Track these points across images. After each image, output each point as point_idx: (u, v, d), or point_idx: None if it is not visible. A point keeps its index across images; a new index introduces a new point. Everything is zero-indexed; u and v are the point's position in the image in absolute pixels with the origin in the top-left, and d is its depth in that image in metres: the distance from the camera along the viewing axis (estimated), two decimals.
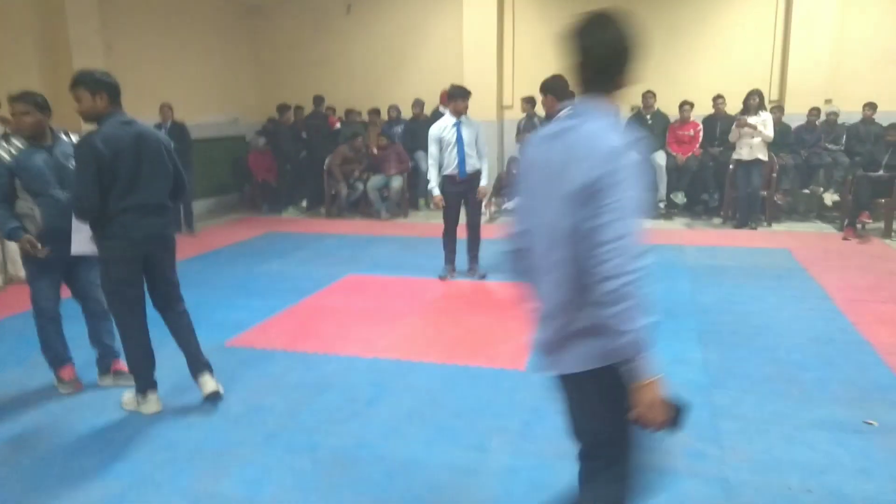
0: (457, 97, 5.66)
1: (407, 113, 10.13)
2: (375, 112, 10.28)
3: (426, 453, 3.06)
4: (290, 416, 3.45)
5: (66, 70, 7.37)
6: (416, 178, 9.74)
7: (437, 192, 5.83)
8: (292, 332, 4.71)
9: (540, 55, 10.24)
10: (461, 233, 6.03)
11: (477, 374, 3.92)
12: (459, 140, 5.67)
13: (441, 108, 9.51)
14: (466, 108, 5.70)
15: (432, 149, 5.77)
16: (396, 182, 9.17)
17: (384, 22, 10.81)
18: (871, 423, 3.20)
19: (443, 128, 5.72)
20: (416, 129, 9.81)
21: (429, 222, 8.94)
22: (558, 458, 2.97)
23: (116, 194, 3.22)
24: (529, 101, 8.66)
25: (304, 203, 9.99)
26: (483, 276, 5.99)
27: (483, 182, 5.92)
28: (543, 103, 4.81)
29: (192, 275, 6.26)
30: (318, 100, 10.36)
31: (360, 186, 9.37)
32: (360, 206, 9.57)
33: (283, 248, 7.48)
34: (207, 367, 3.66)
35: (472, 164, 5.77)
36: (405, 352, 4.29)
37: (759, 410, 3.37)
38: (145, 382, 3.53)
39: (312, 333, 4.68)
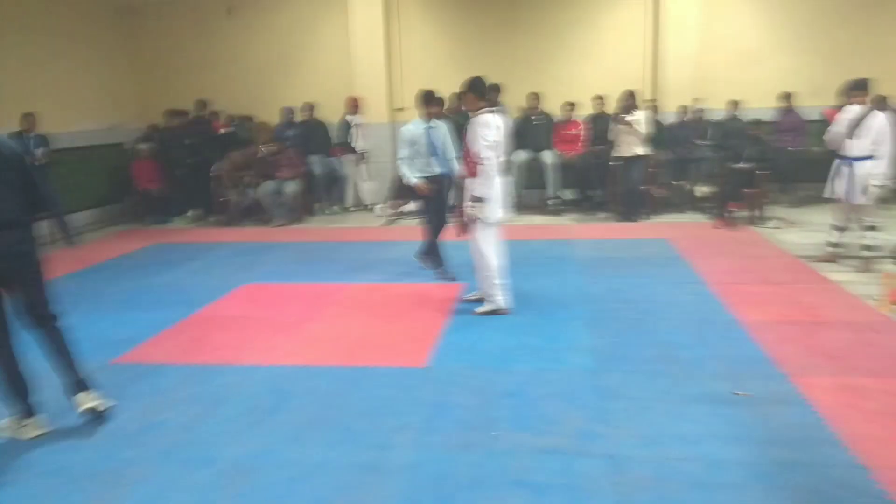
0: (429, 103, 5.72)
1: (297, 116, 9.97)
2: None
3: (330, 456, 3.06)
4: (187, 430, 3.35)
5: None
6: (311, 183, 9.62)
7: (413, 179, 5.74)
8: (185, 346, 4.55)
9: (428, 58, 10.41)
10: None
11: (379, 373, 3.95)
12: (432, 144, 5.72)
13: (348, 117, 9.44)
14: (439, 112, 5.79)
15: (404, 151, 5.76)
16: (290, 187, 9.02)
17: (269, 24, 10.58)
18: (739, 394, 3.51)
19: (414, 131, 5.72)
20: (309, 132, 9.69)
21: (326, 227, 8.87)
22: (459, 449, 3.06)
23: None
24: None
25: (190, 213, 9.62)
26: (454, 279, 5.98)
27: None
28: (463, 100, 4.94)
29: (74, 291, 5.91)
30: (201, 104, 9.99)
31: (252, 193, 9.14)
32: (253, 213, 9.33)
33: (172, 259, 7.18)
34: (82, 385, 3.46)
35: (441, 167, 5.81)
36: (306, 357, 4.26)
37: (644, 389, 3.62)
38: (20, 406, 3.32)
39: (207, 345, 4.54)
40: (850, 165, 5.74)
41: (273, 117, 10.10)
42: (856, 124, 5.70)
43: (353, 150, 9.47)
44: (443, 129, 5.85)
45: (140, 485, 2.88)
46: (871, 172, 5.63)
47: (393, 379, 3.87)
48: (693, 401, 3.47)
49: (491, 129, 4.57)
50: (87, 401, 3.43)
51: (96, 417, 3.44)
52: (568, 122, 9.13)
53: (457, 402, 3.54)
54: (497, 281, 4.88)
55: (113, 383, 3.90)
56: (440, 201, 5.92)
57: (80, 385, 3.46)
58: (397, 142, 5.97)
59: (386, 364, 4.10)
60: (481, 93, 4.73)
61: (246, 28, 10.62)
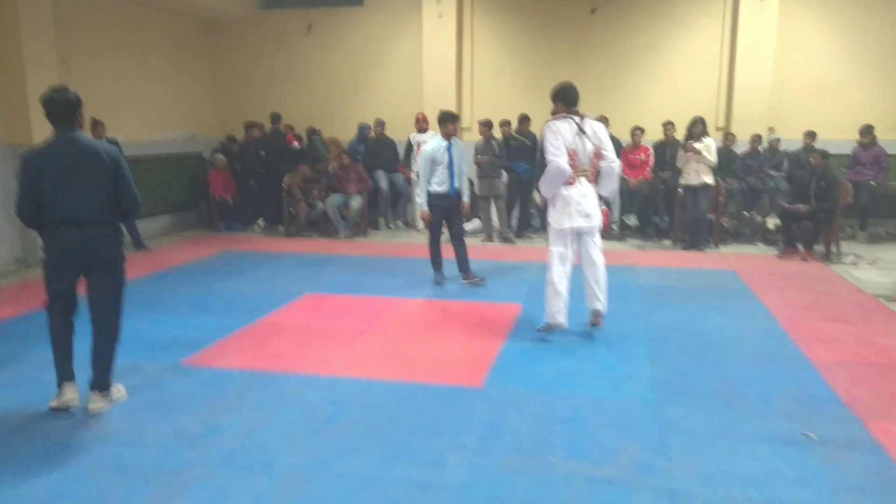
0: (447, 121, 6.13)
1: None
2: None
3: (383, 470, 3.09)
4: (247, 435, 3.44)
5: (19, 84, 7.25)
6: (375, 198, 9.80)
7: (425, 207, 6.26)
8: (249, 351, 4.69)
9: (498, 79, 10.50)
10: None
11: (434, 391, 3.97)
12: (451, 161, 6.13)
13: (412, 136, 9.55)
14: (456, 130, 6.20)
15: (424, 168, 6.20)
16: (356, 201, 9.21)
17: (344, 42, 10.90)
18: (809, 436, 3.36)
19: (436, 149, 6.14)
20: (378, 148, 9.89)
21: (388, 241, 9.00)
22: (513, 473, 3.04)
23: (47, 207, 3.48)
24: (487, 125, 8.82)
25: (260, 222, 9.94)
26: (482, 280, 6.40)
27: (464, 199, 6.42)
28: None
29: (147, 293, 6.19)
30: (276, 118, 10.35)
31: (320, 205, 9.38)
32: (318, 226, 9.57)
33: (241, 266, 7.43)
34: (100, 385, 3.71)
35: (458, 182, 6.23)
36: (363, 370, 4.32)
37: (706, 424, 3.51)
38: (59, 376, 3.68)
39: (270, 352, 4.67)
40: None
41: (342, 133, 10.37)
42: None
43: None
44: (459, 146, 6.25)
45: (199, 487, 2.96)
46: None
47: (448, 397, 3.88)
48: (758, 440, 3.34)
49: (559, 135, 4.56)
50: (93, 402, 3.69)
51: (92, 419, 3.63)
52: (636, 147, 9.02)
53: (512, 425, 3.52)
54: (555, 292, 4.72)
55: (180, 384, 4.07)
56: (451, 214, 6.32)
57: (98, 384, 3.71)
58: (421, 161, 6.30)
59: (441, 382, 4.11)
60: (556, 98, 4.78)
61: (322, 46, 10.97)
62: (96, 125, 7.88)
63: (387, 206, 9.99)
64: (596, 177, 4.75)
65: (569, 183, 4.62)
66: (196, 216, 10.56)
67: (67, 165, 3.47)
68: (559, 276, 4.73)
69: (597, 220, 4.74)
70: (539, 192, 4.83)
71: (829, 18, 9.45)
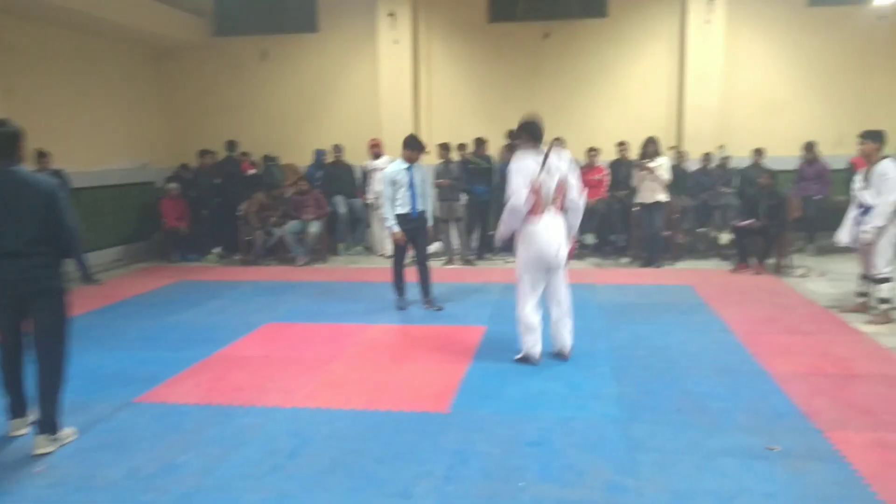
0: (413, 148, 6.19)
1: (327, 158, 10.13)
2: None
3: (350, 503, 3.00)
4: (206, 473, 3.31)
5: None
6: (334, 224, 9.71)
7: (396, 228, 6.21)
8: (207, 385, 4.54)
9: (454, 103, 10.59)
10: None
11: (400, 418, 3.90)
12: (412, 183, 6.16)
13: (365, 162, 9.52)
14: (418, 157, 6.22)
15: (387, 190, 6.21)
16: (314, 227, 9.10)
17: (300, 68, 10.87)
18: (773, 449, 3.40)
19: (396, 171, 6.18)
20: (336, 174, 9.83)
21: (348, 267, 8.91)
22: (483, 500, 2.99)
23: None
24: (445, 148, 8.86)
25: (218, 250, 9.73)
26: (440, 308, 6.37)
27: (429, 222, 6.46)
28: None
29: (97, 328, 5.97)
30: (231, 145, 10.21)
31: (277, 232, 9.24)
32: (276, 253, 9.41)
33: (196, 297, 7.23)
34: (46, 427, 3.57)
35: (421, 205, 6.25)
36: (327, 400, 4.22)
37: (673, 441, 3.52)
38: (10, 412, 3.68)
39: (229, 385, 4.52)
40: (863, 217, 5.66)
41: (299, 159, 10.30)
42: (866, 174, 5.66)
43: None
44: (421, 169, 6.30)
45: None
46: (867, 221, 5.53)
47: (414, 424, 3.81)
48: (724, 454, 3.36)
49: (522, 173, 4.54)
50: (38, 445, 3.54)
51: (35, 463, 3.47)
52: (591, 167, 9.16)
53: (480, 450, 3.47)
54: (527, 328, 4.74)
55: (134, 422, 3.91)
56: (416, 237, 6.32)
57: (44, 425, 3.57)
58: (383, 183, 6.31)
59: (407, 409, 4.04)
60: (521, 132, 4.74)
61: (278, 72, 10.91)
62: (42, 157, 7.61)
63: (346, 232, 9.90)
64: (563, 209, 4.72)
65: (535, 216, 4.59)
66: (149, 247, 10.28)
67: (3, 199, 3.41)
68: (531, 310, 4.73)
69: (563, 252, 4.72)
70: (498, 231, 4.79)
71: (773, 40, 9.83)
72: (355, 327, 5.88)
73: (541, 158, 4.57)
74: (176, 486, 3.19)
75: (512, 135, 9.09)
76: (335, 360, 5.02)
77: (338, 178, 9.82)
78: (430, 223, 6.46)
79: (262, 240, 9.24)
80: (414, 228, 6.27)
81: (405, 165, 6.16)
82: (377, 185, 9.34)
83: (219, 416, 4.00)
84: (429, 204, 6.44)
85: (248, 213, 9.22)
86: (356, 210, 9.87)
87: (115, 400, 4.24)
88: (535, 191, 4.55)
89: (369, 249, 9.86)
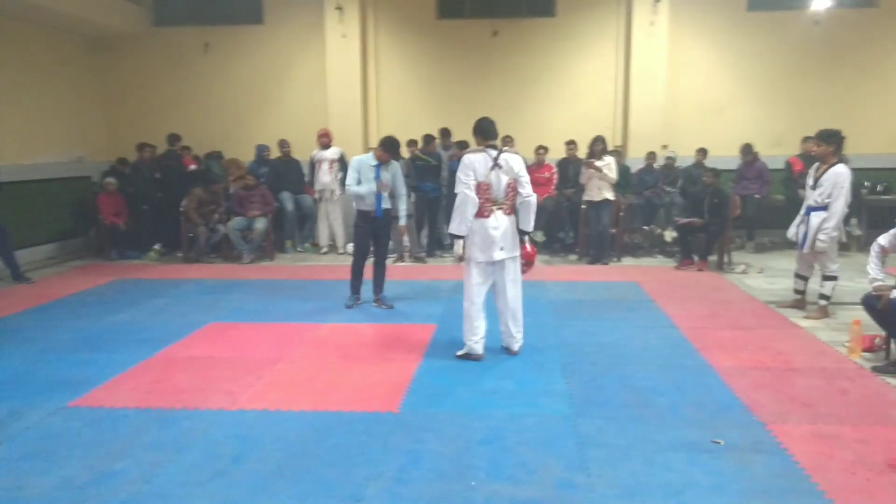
0: (386, 149, 6.07)
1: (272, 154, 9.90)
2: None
3: None
4: (145, 481, 3.16)
5: None
6: (281, 220, 9.50)
7: (362, 190, 6.08)
8: (146, 388, 4.35)
9: (403, 99, 10.52)
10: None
11: (349, 419, 3.82)
12: (378, 179, 6.06)
13: (313, 152, 9.35)
14: (389, 160, 6.12)
15: (352, 174, 6.11)
16: (260, 224, 8.88)
17: (245, 61, 10.59)
18: (717, 442, 3.47)
19: (364, 161, 6.11)
20: (283, 169, 9.61)
21: (295, 265, 8.73)
22: (435, 500, 2.95)
23: None
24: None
25: (158, 247, 9.39)
26: (390, 307, 6.31)
27: (402, 221, 6.49)
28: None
29: (28, 329, 5.69)
30: (173, 138, 9.86)
31: (221, 229, 8.98)
32: (220, 250, 9.15)
33: (136, 296, 6.96)
34: None
35: (385, 204, 6.18)
36: (273, 401, 4.11)
37: (621, 436, 3.55)
38: None
39: (169, 388, 4.35)
40: (808, 215, 5.82)
41: (245, 153, 10.04)
42: (815, 175, 5.81)
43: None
44: (395, 167, 6.25)
45: None
46: (821, 226, 5.64)
47: (364, 425, 3.74)
48: (671, 448, 3.41)
49: (470, 168, 4.54)
50: None
51: None
52: (540, 165, 9.22)
53: (431, 450, 3.42)
54: (471, 324, 4.76)
55: (67, 429, 3.72)
56: (377, 235, 6.26)
57: None
58: (350, 167, 6.23)
59: (357, 409, 3.97)
60: (473, 132, 4.79)
61: (221, 64, 10.61)
62: None
63: (293, 229, 9.71)
64: (513, 210, 4.73)
65: (483, 215, 4.60)
66: (85, 244, 9.86)
67: None
68: (476, 309, 4.74)
69: (514, 251, 4.74)
70: (453, 237, 4.75)
71: (715, 43, 10.10)
72: (303, 326, 5.76)
73: (492, 157, 4.58)
74: (112, 495, 3.03)
75: (444, 132, 9.13)
76: (282, 360, 4.90)
77: (285, 174, 9.61)
78: (403, 222, 6.45)
79: (206, 236, 8.97)
80: (376, 227, 6.20)
81: (375, 162, 6.08)
82: (323, 177, 9.23)
83: (159, 420, 3.84)
84: (403, 202, 6.40)
85: (189, 210, 8.93)
86: (304, 206, 9.69)
87: (47, 405, 4.03)
88: (485, 189, 4.55)
89: (316, 247, 9.69)
